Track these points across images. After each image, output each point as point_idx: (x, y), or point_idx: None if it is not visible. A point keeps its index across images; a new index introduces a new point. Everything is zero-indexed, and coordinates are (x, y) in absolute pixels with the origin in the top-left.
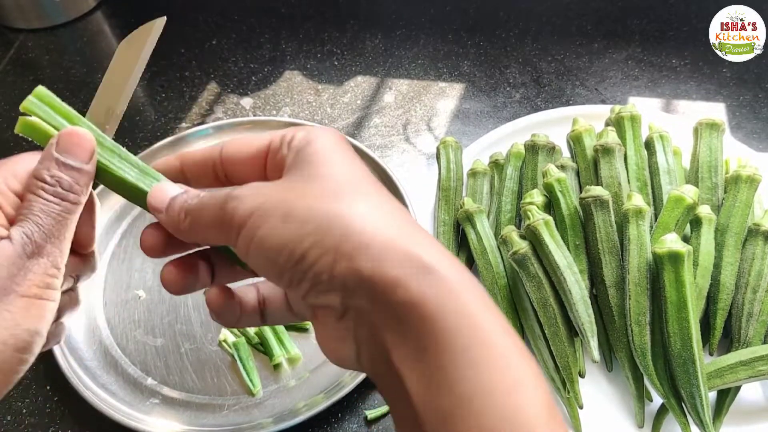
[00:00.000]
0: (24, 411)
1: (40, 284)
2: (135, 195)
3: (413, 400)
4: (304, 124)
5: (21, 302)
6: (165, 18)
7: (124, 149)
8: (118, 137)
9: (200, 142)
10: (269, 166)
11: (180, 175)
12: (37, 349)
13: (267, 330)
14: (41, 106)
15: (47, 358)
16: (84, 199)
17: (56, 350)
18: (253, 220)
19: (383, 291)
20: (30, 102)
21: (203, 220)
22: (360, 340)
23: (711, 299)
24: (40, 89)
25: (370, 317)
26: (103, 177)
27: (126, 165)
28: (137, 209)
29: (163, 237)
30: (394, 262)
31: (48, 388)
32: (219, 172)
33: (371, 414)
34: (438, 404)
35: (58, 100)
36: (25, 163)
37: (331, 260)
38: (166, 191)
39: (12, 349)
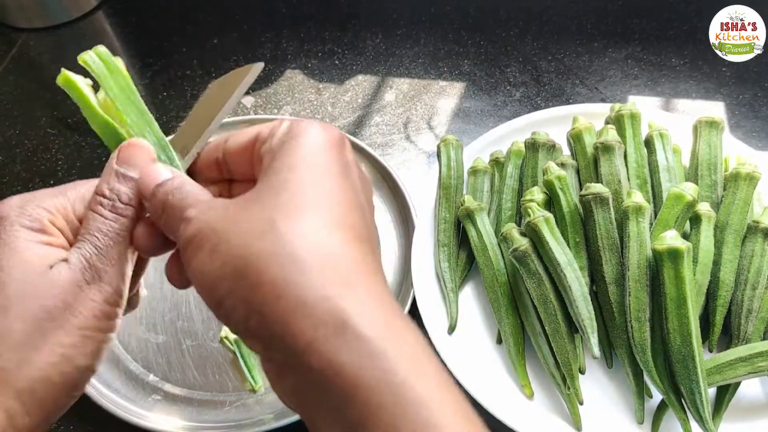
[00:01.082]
0: None
1: (99, 315)
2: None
3: None
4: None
5: (76, 336)
6: (262, 64)
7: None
8: None
9: None
10: (254, 161)
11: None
12: (85, 385)
13: None
14: (98, 64)
15: None
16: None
17: None
18: (190, 251)
19: (296, 355)
20: (88, 56)
21: (168, 226)
22: (287, 393)
23: (710, 296)
24: (101, 48)
25: (294, 375)
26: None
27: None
28: None
29: (154, 233)
30: (305, 321)
31: None
32: (222, 166)
33: None
34: None
35: (120, 65)
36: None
37: (244, 313)
38: (155, 174)
39: (60, 388)
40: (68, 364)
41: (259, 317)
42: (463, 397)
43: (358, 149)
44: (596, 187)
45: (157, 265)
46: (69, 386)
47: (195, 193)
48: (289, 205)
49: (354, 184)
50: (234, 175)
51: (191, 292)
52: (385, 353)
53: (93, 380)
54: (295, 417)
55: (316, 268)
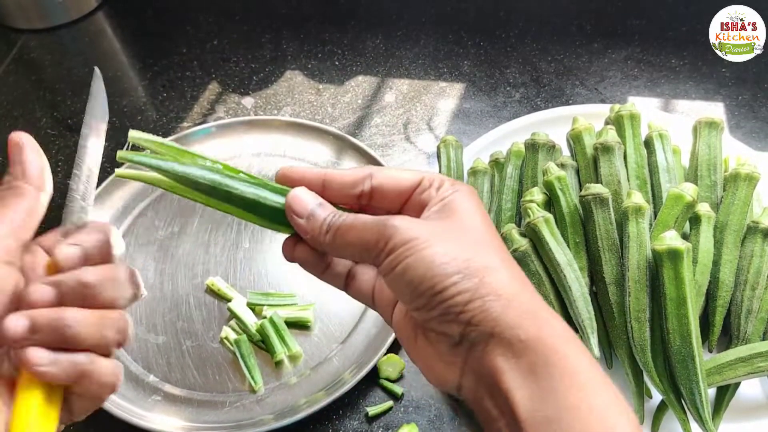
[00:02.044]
0: None
1: None
2: (258, 210)
3: (518, 411)
4: (305, 123)
5: None
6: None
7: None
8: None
9: (202, 141)
10: (411, 202)
11: (319, 190)
12: None
13: (268, 327)
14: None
15: None
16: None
17: None
18: (404, 250)
19: (506, 329)
20: (125, 153)
21: (348, 237)
22: (468, 365)
23: (710, 296)
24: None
25: (485, 348)
26: (233, 199)
27: (250, 185)
28: (138, 208)
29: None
30: (517, 310)
31: None
32: (363, 197)
33: (372, 411)
34: (545, 413)
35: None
36: None
37: (468, 298)
38: (305, 200)
39: None
40: None
41: (482, 302)
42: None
43: (358, 150)
44: (596, 188)
45: (156, 266)
46: None
47: (352, 212)
48: (479, 238)
49: (491, 225)
50: (375, 206)
51: (191, 293)
52: (564, 336)
53: None
54: (296, 417)
55: (517, 282)
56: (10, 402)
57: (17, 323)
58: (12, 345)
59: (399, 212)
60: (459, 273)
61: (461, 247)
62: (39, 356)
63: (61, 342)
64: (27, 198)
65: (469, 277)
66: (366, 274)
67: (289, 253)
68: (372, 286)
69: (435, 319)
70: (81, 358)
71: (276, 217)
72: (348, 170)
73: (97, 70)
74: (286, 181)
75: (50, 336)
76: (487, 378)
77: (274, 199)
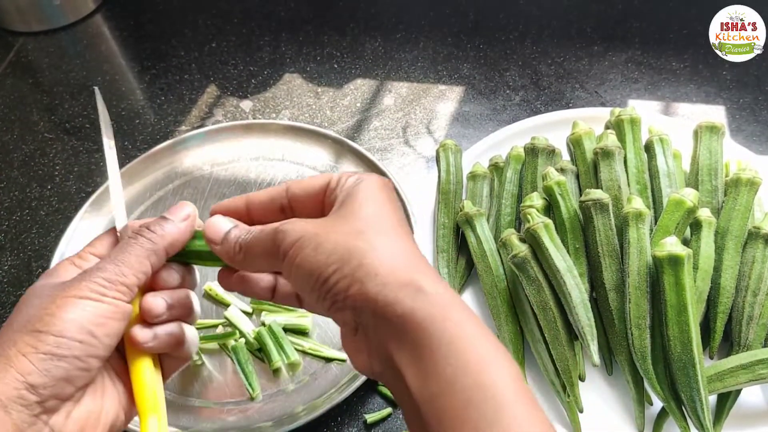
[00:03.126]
0: None
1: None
2: (193, 254)
3: (411, 390)
4: (303, 127)
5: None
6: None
7: None
8: (117, 140)
9: (200, 145)
10: (326, 202)
11: (245, 214)
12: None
13: (266, 335)
14: None
15: None
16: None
17: None
18: (294, 250)
19: (383, 308)
20: None
21: (255, 251)
22: (371, 350)
23: (711, 302)
24: None
25: (375, 331)
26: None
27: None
28: (136, 212)
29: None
30: (394, 286)
31: None
32: (286, 209)
33: (371, 418)
34: (430, 390)
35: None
36: None
37: (348, 284)
38: (220, 225)
39: None
40: None
41: (360, 285)
42: (495, 338)
43: (356, 154)
44: (596, 193)
45: None
46: None
47: (260, 225)
48: (369, 222)
49: (399, 209)
50: (299, 215)
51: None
52: (448, 305)
53: None
54: (295, 424)
55: (401, 260)
56: (117, 379)
57: (158, 301)
58: (151, 321)
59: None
60: (339, 260)
61: (346, 235)
62: (143, 335)
63: (183, 317)
64: (158, 256)
65: (348, 262)
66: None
67: (226, 282)
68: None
69: (330, 310)
70: (175, 328)
71: (211, 257)
72: (266, 189)
73: (96, 90)
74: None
75: (177, 311)
76: (387, 360)
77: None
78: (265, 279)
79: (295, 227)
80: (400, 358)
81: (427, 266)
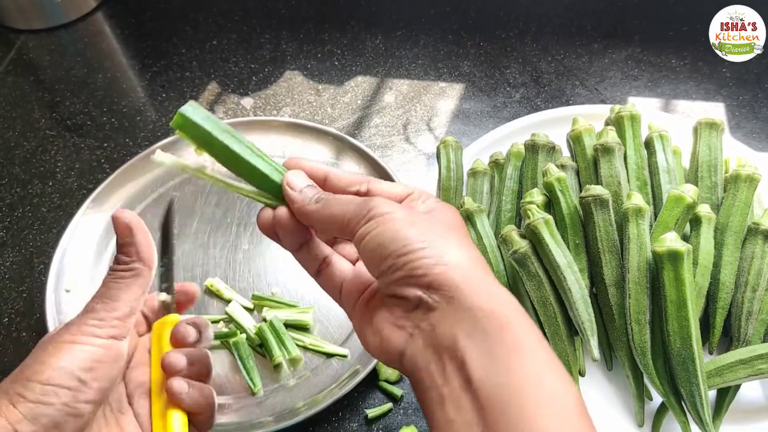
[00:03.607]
0: None
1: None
2: (263, 183)
3: (473, 376)
4: (304, 124)
5: None
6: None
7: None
8: (118, 137)
9: None
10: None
11: (321, 184)
12: None
13: (267, 331)
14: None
15: None
16: (136, 266)
17: None
18: (384, 217)
19: (467, 296)
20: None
21: (334, 208)
22: (421, 330)
23: (711, 298)
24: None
25: (443, 314)
26: (239, 167)
27: (259, 159)
28: (137, 209)
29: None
30: (474, 282)
31: None
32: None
33: (371, 413)
34: (497, 380)
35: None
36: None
37: (433, 263)
38: (302, 178)
39: None
40: None
41: (446, 268)
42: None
43: (357, 151)
44: (596, 189)
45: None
46: None
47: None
48: (454, 229)
49: (467, 234)
50: None
51: None
52: (518, 312)
53: None
54: (296, 419)
55: (477, 267)
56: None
57: (180, 358)
58: (171, 375)
59: None
60: (430, 242)
61: (430, 231)
62: (179, 384)
63: (202, 375)
64: (143, 278)
65: (437, 247)
66: (341, 264)
67: (267, 219)
68: (342, 278)
69: (397, 282)
70: (204, 387)
71: (269, 188)
72: (346, 173)
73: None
74: (293, 168)
75: (197, 368)
76: (442, 342)
77: (276, 176)
78: (320, 245)
79: (389, 203)
80: (466, 345)
81: (494, 279)
